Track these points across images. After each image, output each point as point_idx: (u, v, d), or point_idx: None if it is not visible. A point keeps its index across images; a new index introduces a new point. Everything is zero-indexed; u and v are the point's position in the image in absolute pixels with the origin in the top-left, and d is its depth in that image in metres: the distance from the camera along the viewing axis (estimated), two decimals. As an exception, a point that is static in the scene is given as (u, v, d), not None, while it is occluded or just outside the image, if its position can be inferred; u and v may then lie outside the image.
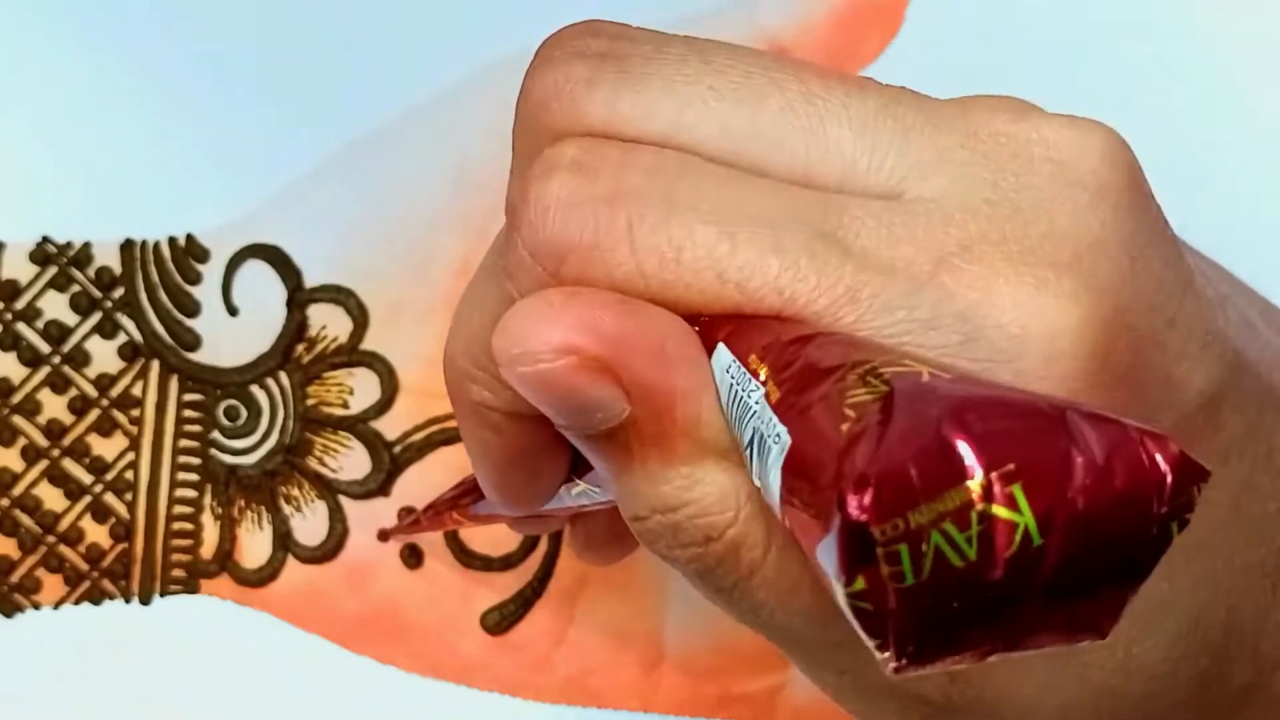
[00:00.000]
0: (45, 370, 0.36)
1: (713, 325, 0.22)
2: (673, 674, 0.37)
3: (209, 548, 0.36)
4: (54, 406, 0.36)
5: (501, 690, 0.37)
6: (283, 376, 0.37)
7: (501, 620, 0.36)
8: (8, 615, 0.36)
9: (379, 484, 0.36)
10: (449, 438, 0.37)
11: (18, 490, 0.36)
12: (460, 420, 0.27)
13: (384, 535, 0.36)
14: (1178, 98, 0.37)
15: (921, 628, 0.17)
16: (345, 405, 0.37)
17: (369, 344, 0.36)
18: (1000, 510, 0.16)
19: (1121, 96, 0.37)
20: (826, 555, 0.17)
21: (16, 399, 0.36)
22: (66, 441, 0.36)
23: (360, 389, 0.37)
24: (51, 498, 0.36)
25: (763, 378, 0.20)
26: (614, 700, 0.37)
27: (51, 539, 0.36)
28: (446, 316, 0.36)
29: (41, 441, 0.36)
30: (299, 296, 0.36)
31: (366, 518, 0.36)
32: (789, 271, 0.21)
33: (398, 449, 0.37)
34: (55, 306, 0.36)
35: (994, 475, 0.16)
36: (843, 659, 0.24)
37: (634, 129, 0.23)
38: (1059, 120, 0.23)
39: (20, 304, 0.36)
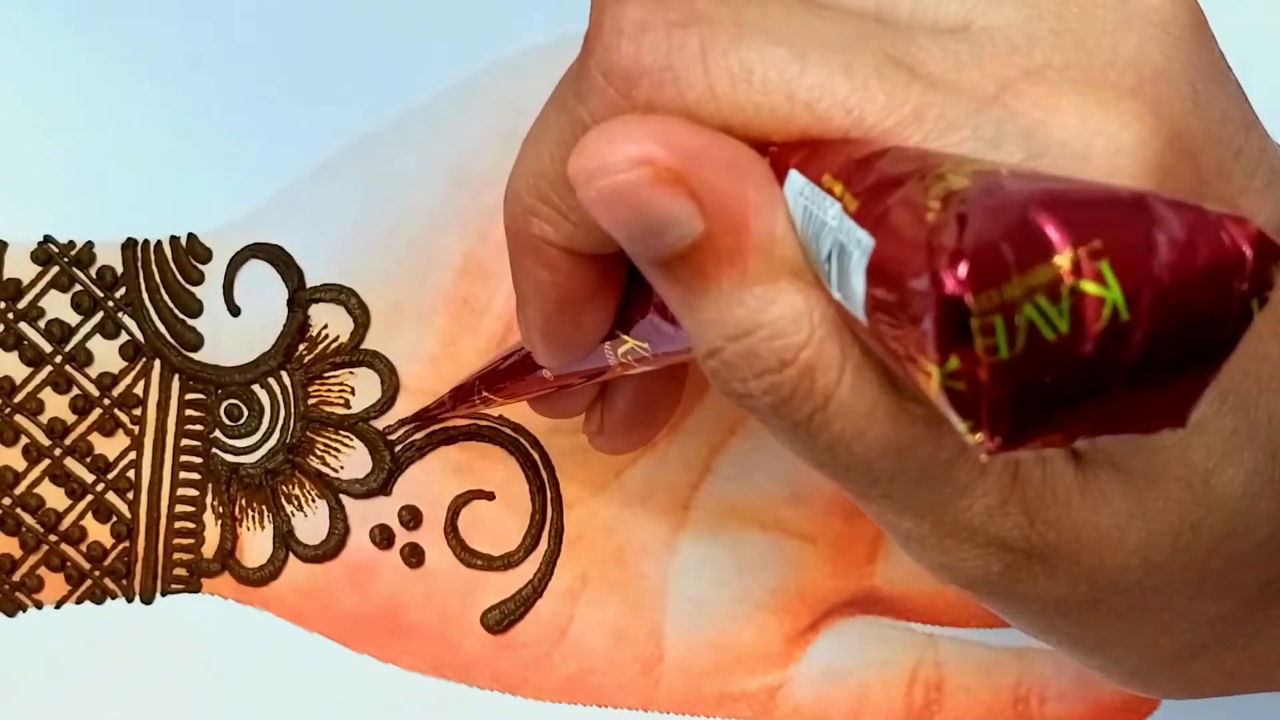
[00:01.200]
0: (47, 369, 0.36)
1: (782, 155, 0.22)
2: (672, 673, 0.37)
3: (211, 547, 0.36)
4: (56, 406, 0.36)
5: (502, 689, 0.37)
6: (284, 376, 0.37)
7: (502, 619, 0.37)
8: (10, 614, 0.36)
9: (380, 483, 0.36)
10: (449, 437, 0.37)
11: (20, 489, 0.36)
12: (515, 259, 0.27)
13: (412, 419, 0.36)
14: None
15: (1014, 402, 0.17)
16: (346, 404, 0.37)
17: (370, 343, 0.37)
18: (1089, 285, 0.17)
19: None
20: (917, 342, 0.17)
21: (19, 398, 0.36)
22: (69, 441, 0.36)
23: (361, 388, 0.37)
24: (54, 497, 0.36)
25: (838, 193, 0.20)
26: (614, 699, 0.37)
27: (53, 538, 0.36)
28: (447, 316, 0.36)
29: (44, 441, 0.36)
30: (300, 296, 0.36)
31: (368, 517, 0.36)
32: (858, 92, 0.22)
33: (399, 448, 0.37)
34: (57, 306, 0.36)
35: (1082, 251, 0.17)
36: (922, 499, 0.24)
37: None
38: None
39: (23, 303, 0.36)
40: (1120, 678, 0.28)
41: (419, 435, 0.37)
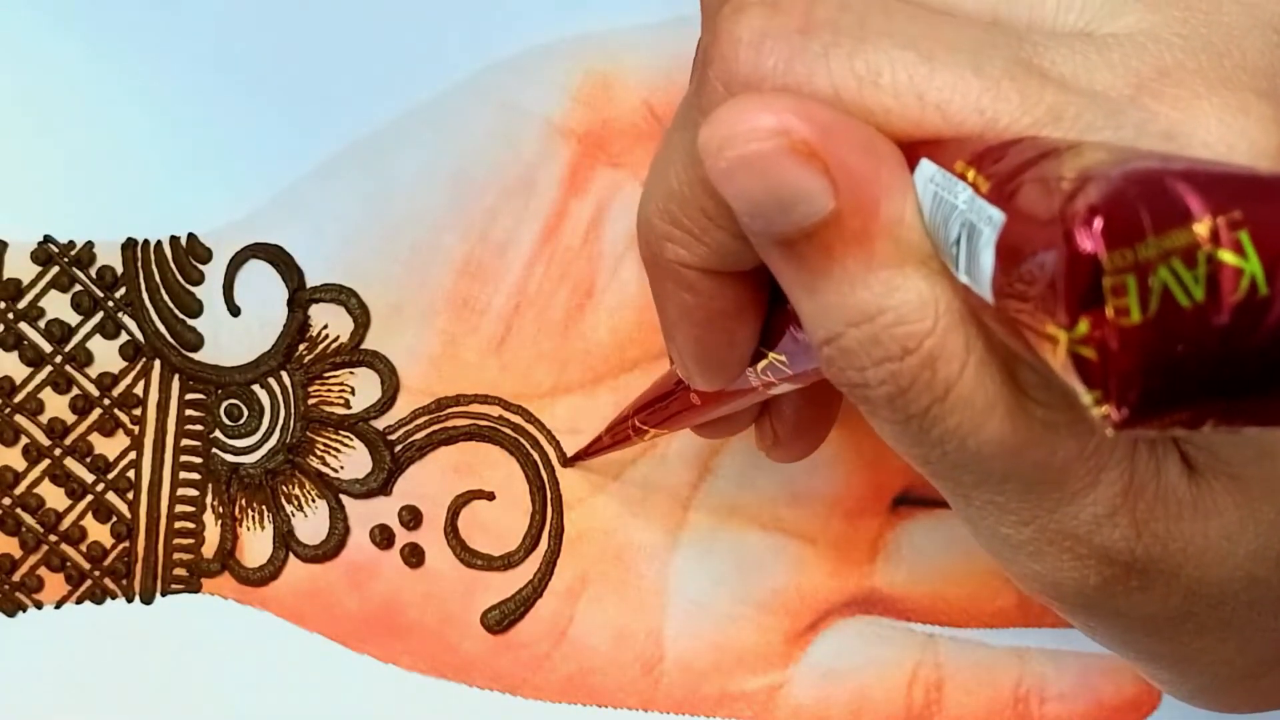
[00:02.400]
0: (47, 370, 0.36)
1: (910, 148, 0.22)
2: (672, 673, 0.37)
3: (211, 547, 0.36)
4: (56, 406, 0.36)
5: (502, 689, 0.37)
6: (284, 376, 0.37)
7: (502, 619, 0.37)
8: (10, 614, 0.36)
9: (380, 483, 0.36)
10: (449, 437, 0.37)
11: (20, 489, 0.36)
12: (656, 286, 0.27)
13: (568, 462, 0.37)
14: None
15: (1145, 371, 0.16)
16: (347, 404, 0.37)
17: (370, 343, 0.37)
18: (1228, 255, 0.16)
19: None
20: (1046, 309, 0.17)
21: (19, 398, 0.36)
22: (69, 441, 0.36)
23: (361, 388, 0.37)
24: (54, 497, 0.36)
25: (970, 178, 0.20)
26: (614, 699, 0.37)
27: (53, 538, 0.36)
28: (448, 316, 0.36)
29: (44, 441, 0.36)
30: (300, 296, 0.36)
31: (368, 517, 0.36)
32: (990, 92, 0.21)
33: (399, 448, 0.37)
34: (57, 306, 0.36)
35: (1221, 220, 0.16)
36: (1030, 504, 0.23)
37: None
38: None
39: (23, 303, 0.36)
40: (1187, 693, 0.27)
41: (419, 435, 0.37)
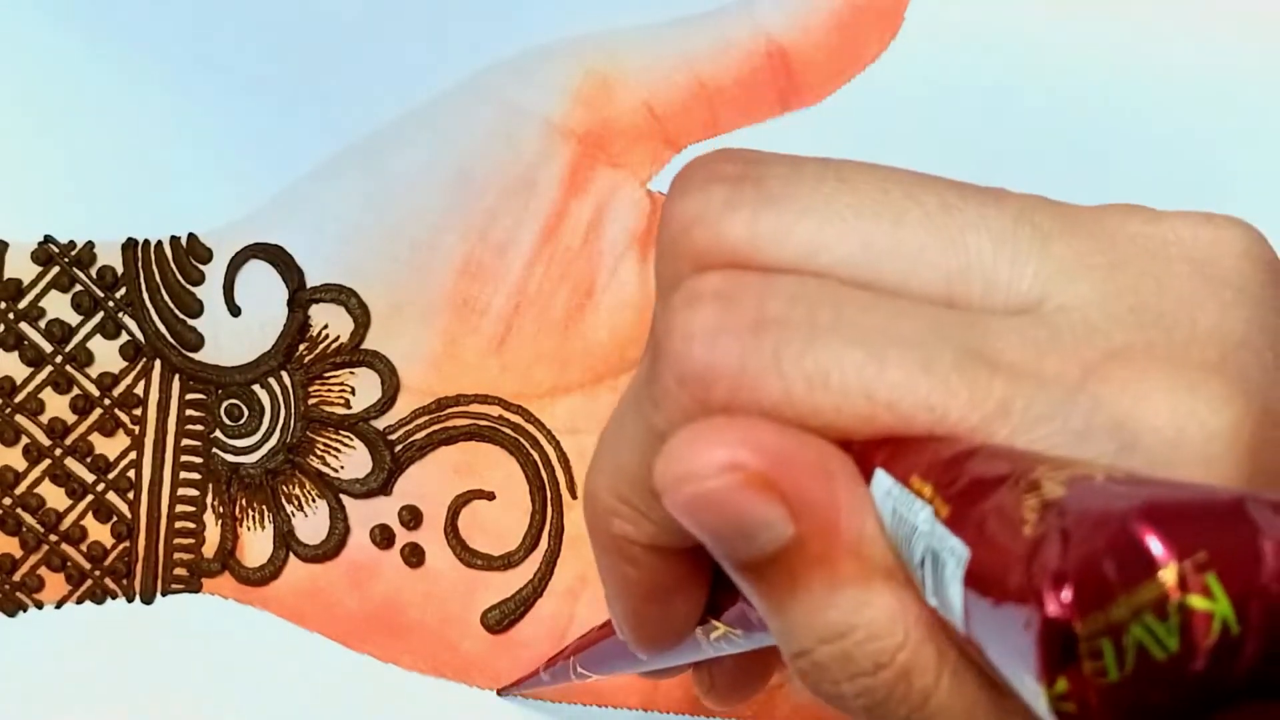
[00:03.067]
0: (48, 370, 0.36)
1: (865, 452, 0.22)
2: (673, 672, 0.37)
3: (211, 546, 0.36)
4: (56, 406, 0.36)
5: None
6: (284, 376, 0.37)
7: (502, 619, 0.37)
8: (10, 614, 0.36)
9: (380, 483, 0.36)
10: (449, 437, 0.37)
11: (20, 489, 0.36)
12: (599, 555, 0.27)
13: (502, 692, 0.37)
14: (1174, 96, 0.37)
15: None
16: (347, 404, 0.37)
17: (370, 343, 0.37)
18: (1197, 600, 0.16)
19: (1120, 95, 0.37)
20: (1022, 661, 0.17)
21: (19, 398, 0.36)
22: (69, 441, 0.36)
23: (362, 388, 0.37)
24: (54, 497, 0.36)
25: (928, 495, 0.20)
26: (615, 699, 0.37)
27: (54, 538, 0.36)
28: (447, 316, 0.36)
29: (44, 440, 0.36)
30: (301, 296, 0.36)
31: (368, 516, 0.36)
32: (939, 389, 0.21)
33: (399, 448, 0.37)
34: (58, 306, 0.36)
35: (1187, 564, 0.16)
36: None
37: (774, 251, 0.23)
38: (1194, 218, 0.23)
39: (23, 304, 0.36)
40: None
41: (419, 435, 0.37)
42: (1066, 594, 0.16)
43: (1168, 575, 0.16)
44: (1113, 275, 0.22)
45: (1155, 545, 0.16)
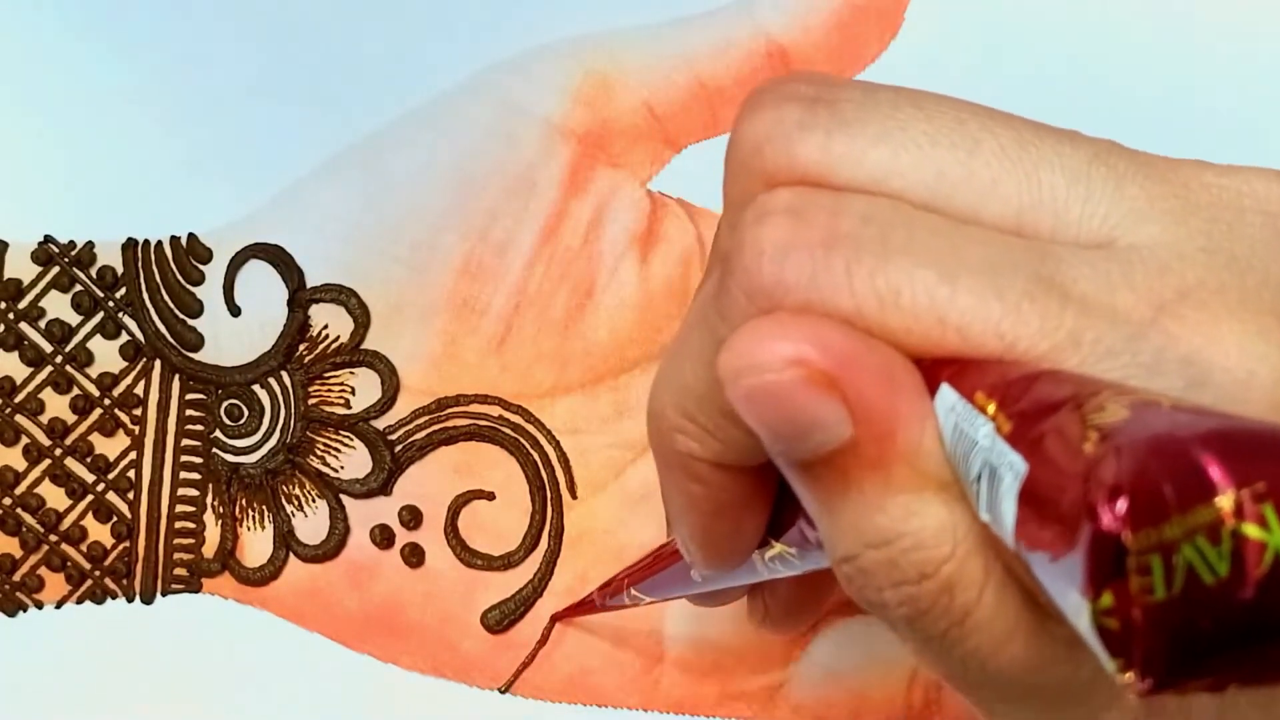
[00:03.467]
0: (48, 370, 0.36)
1: (930, 368, 0.22)
2: (673, 672, 0.37)
3: (211, 546, 0.36)
4: (56, 406, 0.36)
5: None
6: (284, 376, 0.37)
7: (502, 619, 0.37)
8: (10, 614, 0.36)
9: (380, 483, 0.36)
10: (449, 437, 0.37)
11: (20, 489, 0.36)
12: (664, 474, 0.27)
13: (555, 619, 0.36)
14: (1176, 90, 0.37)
15: (1170, 646, 0.17)
16: (347, 404, 0.37)
17: (370, 343, 0.37)
18: (1251, 529, 0.16)
19: (1121, 92, 0.37)
20: (1069, 576, 0.17)
21: (19, 398, 0.36)
22: (69, 441, 0.36)
23: (362, 388, 0.37)
24: (54, 497, 0.36)
25: (990, 413, 0.20)
26: (614, 699, 0.37)
27: (54, 538, 0.36)
28: (448, 316, 0.36)
29: (44, 441, 0.36)
30: (301, 296, 0.36)
31: (368, 516, 0.36)
32: (1011, 316, 0.21)
33: (399, 448, 0.37)
34: (58, 306, 0.36)
35: (1245, 493, 0.16)
36: (1054, 719, 0.23)
37: (847, 173, 0.23)
38: (1268, 174, 0.23)
39: (23, 304, 0.36)
40: None
41: (419, 435, 0.37)
42: (1121, 505, 0.16)
43: (1225, 501, 0.16)
44: (1185, 219, 0.22)
45: (1215, 471, 0.16)
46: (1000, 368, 0.21)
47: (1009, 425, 0.20)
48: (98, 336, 0.36)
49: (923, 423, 0.22)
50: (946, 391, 0.22)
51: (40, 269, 0.36)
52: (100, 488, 0.36)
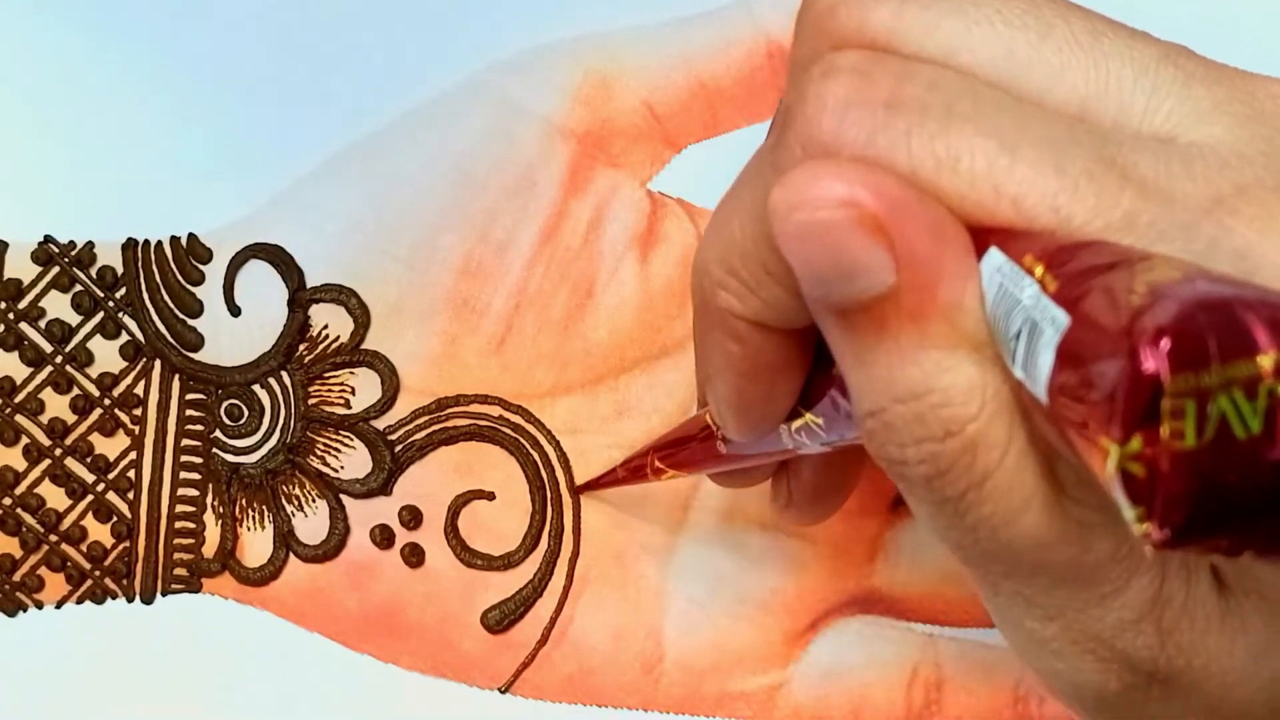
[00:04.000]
0: (48, 370, 0.36)
1: (980, 235, 0.22)
2: (672, 673, 0.37)
3: (211, 546, 0.36)
4: (56, 406, 0.36)
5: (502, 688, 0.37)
6: (285, 376, 0.37)
7: (503, 619, 0.37)
8: (10, 614, 0.36)
9: (380, 483, 0.36)
10: (450, 437, 0.37)
11: (20, 489, 0.36)
12: (702, 331, 0.27)
13: (579, 490, 0.37)
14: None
15: (1192, 497, 0.17)
16: (347, 405, 0.37)
17: (370, 343, 0.37)
18: None
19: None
20: (1101, 419, 0.17)
21: (19, 398, 0.36)
22: (69, 441, 0.36)
23: (362, 388, 0.37)
24: (54, 497, 0.36)
25: (1038, 274, 0.20)
26: (614, 699, 0.37)
27: (54, 538, 0.36)
28: (448, 316, 0.36)
29: (44, 440, 0.36)
30: (301, 296, 0.36)
31: (368, 517, 0.36)
32: (1068, 190, 0.21)
33: (399, 448, 0.37)
34: (58, 306, 0.36)
35: None
36: (1056, 600, 0.23)
37: (916, 42, 0.23)
38: None
39: (23, 304, 0.36)
40: None
41: (419, 435, 0.37)
42: (1164, 345, 0.17)
43: (1266, 360, 0.16)
44: (1247, 123, 0.22)
45: (1261, 333, 0.17)
46: (1050, 235, 0.21)
47: (1055, 284, 0.20)
48: (98, 336, 0.36)
49: (965, 280, 0.22)
50: (994, 254, 0.22)
51: (40, 269, 0.36)
52: (100, 488, 0.36)
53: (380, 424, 0.37)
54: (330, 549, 0.36)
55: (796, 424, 0.28)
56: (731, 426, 0.29)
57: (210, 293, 0.37)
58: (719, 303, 0.26)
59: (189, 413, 0.36)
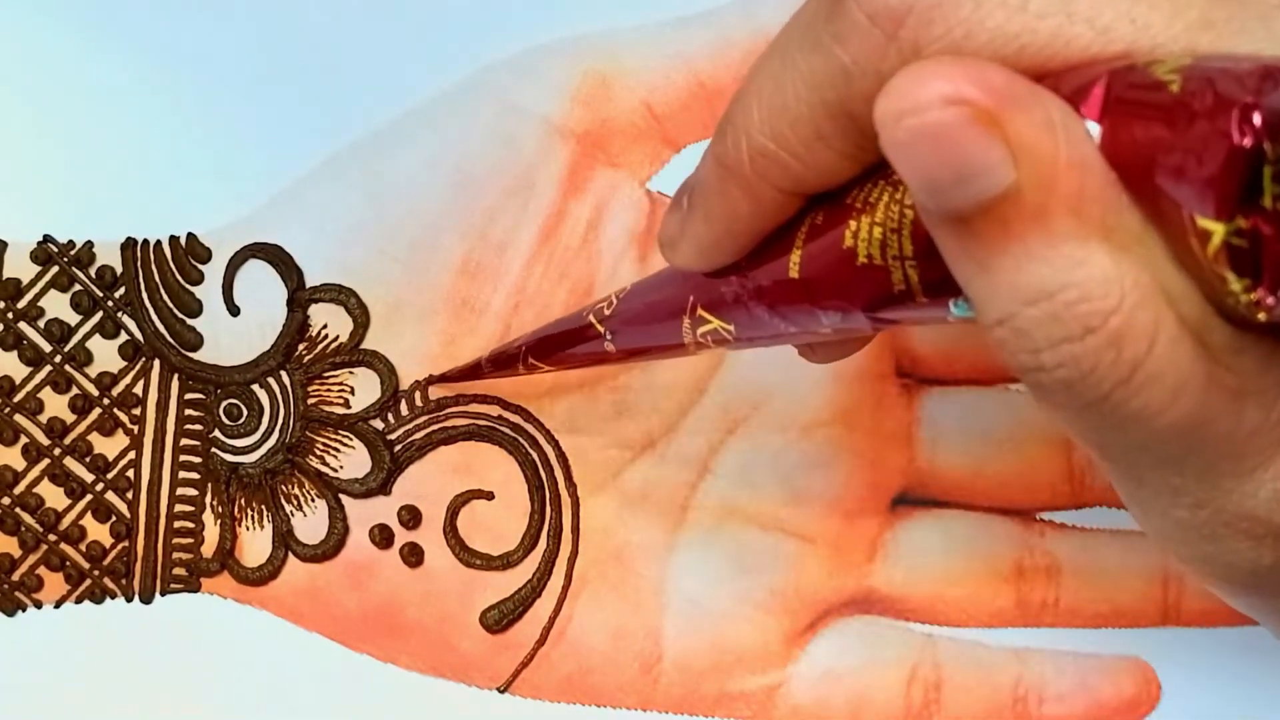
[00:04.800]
0: (47, 369, 0.36)
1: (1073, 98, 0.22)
2: (671, 672, 0.37)
3: (210, 546, 0.36)
4: (56, 405, 0.36)
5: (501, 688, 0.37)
6: (284, 375, 0.37)
7: (501, 619, 0.37)
8: (9, 613, 0.36)
9: (379, 482, 0.36)
10: (449, 436, 0.37)
11: (19, 489, 0.36)
12: (719, 185, 0.26)
13: (440, 379, 0.36)
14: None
15: None
16: (346, 404, 0.37)
17: (369, 343, 0.37)
18: None
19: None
20: (1202, 197, 0.18)
21: (18, 398, 0.36)
22: (68, 440, 0.36)
23: (361, 388, 0.37)
24: (53, 496, 0.36)
25: (1158, 71, 0.20)
26: (613, 699, 0.37)
27: (53, 537, 0.36)
28: (446, 316, 0.36)
29: (43, 440, 0.36)
30: (300, 296, 0.36)
31: (367, 516, 0.36)
32: (1143, 2, 0.21)
33: (398, 448, 0.37)
34: (57, 306, 0.36)
35: None
36: (1208, 483, 0.22)
37: None
38: None
39: (22, 303, 0.36)
40: None
41: (418, 435, 0.37)
42: (1257, 119, 0.17)
43: None
44: None
45: None
46: (1117, 67, 0.21)
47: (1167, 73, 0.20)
48: (97, 336, 0.36)
49: (1086, 167, 0.21)
50: (1091, 126, 0.21)
51: (39, 268, 0.36)
52: (99, 487, 0.36)
53: (379, 424, 0.37)
54: (329, 549, 0.36)
55: (703, 329, 0.28)
56: (685, 257, 0.28)
57: (209, 292, 0.37)
58: (754, 168, 0.25)
59: (188, 412, 0.37)
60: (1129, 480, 0.23)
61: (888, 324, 0.26)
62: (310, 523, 0.36)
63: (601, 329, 0.31)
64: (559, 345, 0.33)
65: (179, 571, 0.36)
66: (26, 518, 0.36)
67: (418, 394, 0.37)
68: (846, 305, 0.25)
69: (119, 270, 0.37)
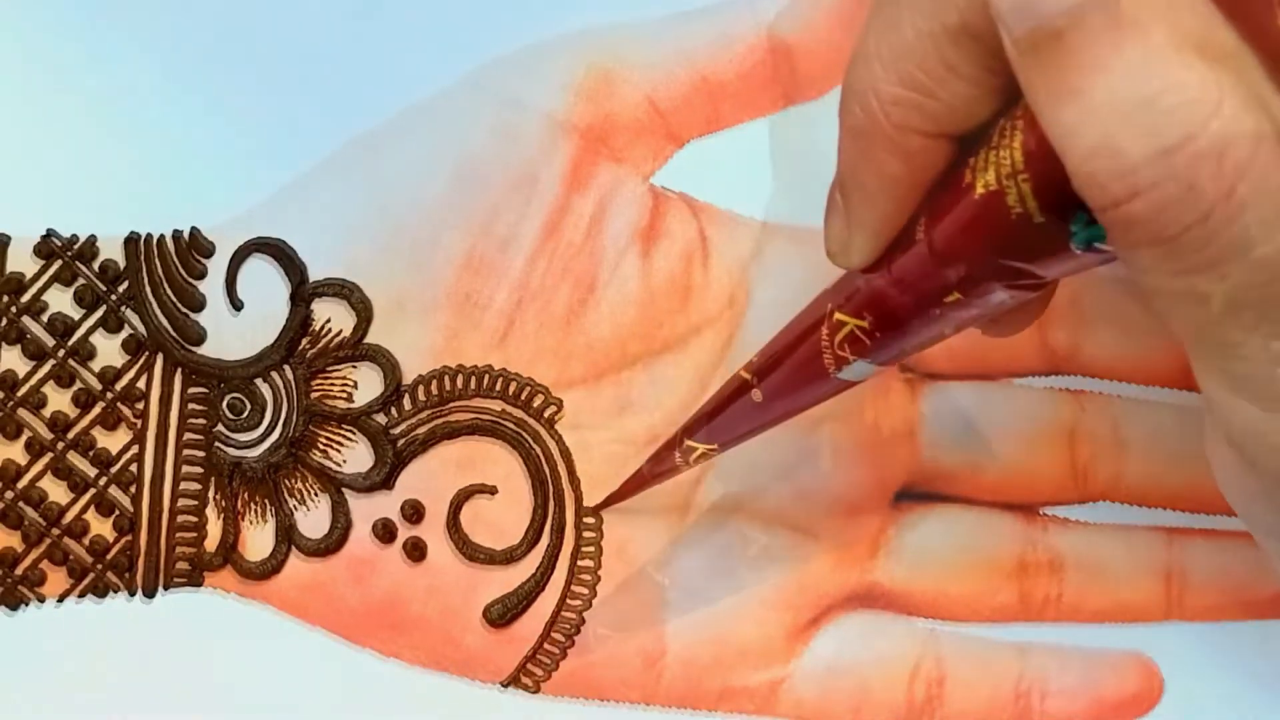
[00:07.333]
0: (50, 364, 0.36)
1: None
2: (674, 668, 0.37)
3: (213, 541, 0.36)
4: (59, 400, 0.36)
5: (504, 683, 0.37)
6: (287, 370, 0.37)
7: (504, 613, 0.37)
8: (12, 608, 0.36)
9: (382, 477, 0.36)
10: (451, 431, 0.37)
11: (23, 483, 0.36)
12: (865, 156, 0.26)
13: (599, 509, 0.37)
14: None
15: None
16: (349, 399, 0.37)
17: (372, 338, 0.37)
18: None
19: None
20: None
21: (22, 392, 0.36)
22: (71, 435, 0.36)
23: (364, 383, 0.37)
24: (56, 491, 0.36)
25: None
26: (616, 694, 0.37)
27: (56, 532, 0.36)
28: (449, 311, 0.36)
29: (46, 435, 0.36)
30: (303, 291, 0.36)
31: (370, 511, 0.37)
32: None
33: (401, 443, 0.37)
34: (60, 301, 0.36)
35: None
36: None
37: None
38: None
39: (25, 298, 0.36)
40: None
41: (421, 430, 0.37)
42: None
43: None
44: None
45: None
46: None
47: None
48: (100, 331, 0.36)
49: None
50: None
51: (42, 263, 0.37)
52: (102, 482, 0.36)
53: (382, 418, 0.37)
54: (332, 543, 0.36)
55: (840, 335, 0.28)
56: (863, 250, 0.28)
57: (212, 287, 0.37)
58: (894, 120, 0.25)
59: (191, 407, 0.37)
60: (1213, 360, 0.22)
61: (1011, 278, 0.25)
62: (313, 518, 0.36)
63: (748, 376, 0.32)
64: (711, 415, 0.33)
65: (182, 566, 0.36)
66: (30, 512, 0.36)
67: (421, 388, 0.37)
68: (969, 247, 0.25)
69: (122, 265, 0.37)
